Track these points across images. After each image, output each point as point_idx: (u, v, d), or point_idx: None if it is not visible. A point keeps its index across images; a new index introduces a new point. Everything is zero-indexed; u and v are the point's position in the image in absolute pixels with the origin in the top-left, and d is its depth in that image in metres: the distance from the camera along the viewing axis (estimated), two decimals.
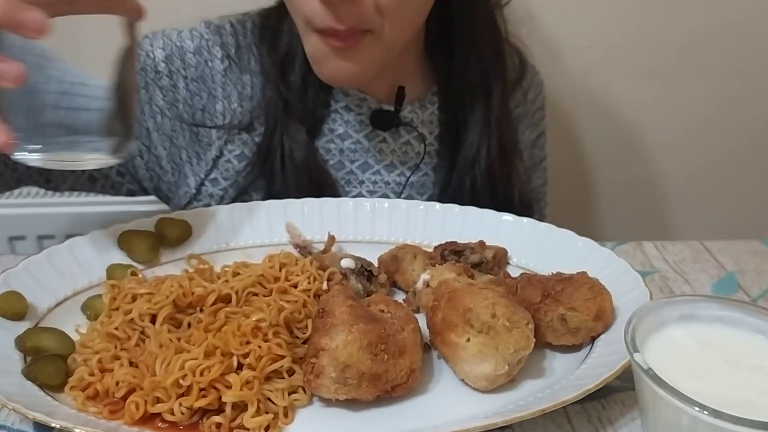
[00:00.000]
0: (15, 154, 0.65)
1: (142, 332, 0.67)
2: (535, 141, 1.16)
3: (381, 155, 1.05)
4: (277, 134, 0.98)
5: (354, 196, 1.02)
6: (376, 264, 0.80)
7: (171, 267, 0.80)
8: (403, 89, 1.01)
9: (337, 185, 1.03)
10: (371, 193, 1.06)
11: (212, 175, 1.01)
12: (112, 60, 0.65)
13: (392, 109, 1.03)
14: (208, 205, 1.00)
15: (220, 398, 0.60)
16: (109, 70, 0.65)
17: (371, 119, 1.03)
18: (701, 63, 1.35)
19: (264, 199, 0.92)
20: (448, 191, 1.03)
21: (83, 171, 0.94)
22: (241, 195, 0.99)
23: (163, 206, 1.10)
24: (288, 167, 0.99)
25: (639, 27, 1.31)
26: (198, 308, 0.70)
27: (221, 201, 1.01)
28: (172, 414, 0.60)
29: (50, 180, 0.99)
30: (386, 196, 1.03)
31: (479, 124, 1.02)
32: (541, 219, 1.14)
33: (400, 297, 0.79)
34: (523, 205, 1.06)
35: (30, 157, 0.66)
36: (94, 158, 0.68)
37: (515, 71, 1.10)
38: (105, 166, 0.70)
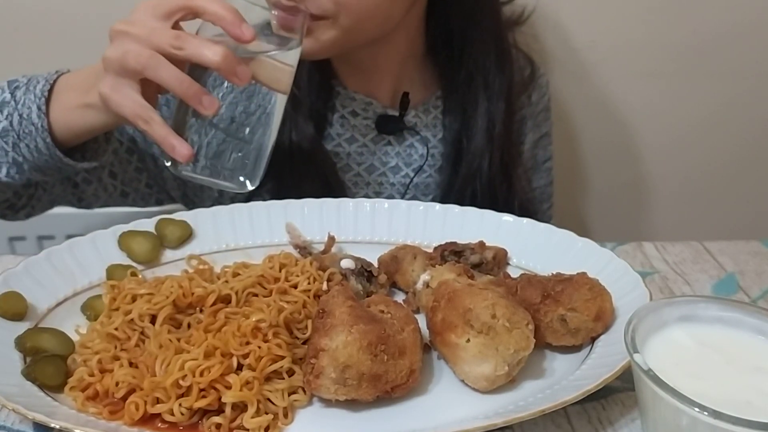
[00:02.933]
0: (179, 168, 0.75)
1: (142, 333, 0.67)
2: (538, 141, 1.16)
3: (386, 158, 1.06)
4: (285, 131, 0.99)
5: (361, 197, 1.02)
6: (376, 264, 0.80)
7: (171, 267, 0.80)
8: (407, 95, 1.02)
9: (344, 187, 1.04)
10: (377, 194, 1.06)
11: None
12: (262, 117, 0.77)
13: (397, 114, 1.03)
14: None
15: (219, 399, 0.60)
16: (261, 125, 0.78)
17: (376, 124, 1.04)
18: (702, 64, 1.35)
19: (274, 198, 0.92)
20: (451, 196, 1.04)
21: (115, 188, 1.03)
22: (253, 196, 0.99)
23: (163, 207, 1.10)
24: (296, 164, 0.99)
25: (640, 28, 1.31)
26: (198, 309, 0.70)
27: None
28: (172, 414, 0.60)
29: (83, 199, 1.01)
30: (391, 197, 1.04)
31: (482, 136, 1.03)
32: (545, 219, 1.14)
33: (400, 297, 0.79)
34: (524, 214, 1.06)
35: (184, 173, 0.76)
36: (227, 186, 0.78)
37: (520, 74, 1.10)
38: (231, 192, 0.82)
